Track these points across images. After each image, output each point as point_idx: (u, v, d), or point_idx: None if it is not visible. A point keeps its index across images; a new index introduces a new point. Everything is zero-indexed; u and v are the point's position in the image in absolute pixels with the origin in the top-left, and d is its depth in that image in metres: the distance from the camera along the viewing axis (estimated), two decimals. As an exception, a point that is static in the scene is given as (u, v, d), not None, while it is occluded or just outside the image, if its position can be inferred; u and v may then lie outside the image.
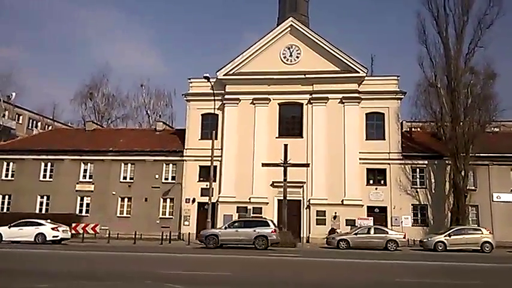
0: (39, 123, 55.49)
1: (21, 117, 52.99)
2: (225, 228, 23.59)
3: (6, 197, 34.11)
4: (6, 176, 34.69)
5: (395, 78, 32.41)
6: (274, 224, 24.05)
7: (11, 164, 34.81)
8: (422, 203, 30.46)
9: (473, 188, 29.79)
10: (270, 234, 22.53)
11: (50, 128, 53.34)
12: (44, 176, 34.23)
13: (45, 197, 33.74)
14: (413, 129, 36.24)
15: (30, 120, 54.78)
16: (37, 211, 33.03)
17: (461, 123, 29.52)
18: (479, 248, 24.27)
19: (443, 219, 29.50)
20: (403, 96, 32.20)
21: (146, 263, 15.71)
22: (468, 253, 23.30)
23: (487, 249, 24.23)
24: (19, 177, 34.19)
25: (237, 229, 23.06)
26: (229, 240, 23.00)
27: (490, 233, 25.54)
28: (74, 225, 28.37)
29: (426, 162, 30.98)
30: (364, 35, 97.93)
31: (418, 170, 31.10)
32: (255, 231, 22.61)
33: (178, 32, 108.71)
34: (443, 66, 30.49)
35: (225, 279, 11.38)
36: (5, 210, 33.44)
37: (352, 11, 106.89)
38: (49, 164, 34.38)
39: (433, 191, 30.51)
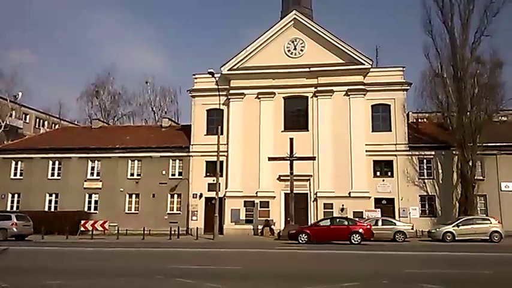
0: (45, 122, 55.84)
1: (28, 116, 53.32)
2: None
3: (16, 195, 34.41)
4: (15, 175, 34.99)
5: (401, 69, 32.21)
6: (22, 218, 25.48)
7: (19, 163, 35.09)
8: (430, 194, 30.37)
9: (481, 177, 29.61)
10: (10, 226, 24.52)
11: (56, 126, 53.68)
12: (52, 174, 34.51)
13: (53, 195, 34.02)
14: (419, 120, 36.02)
15: (37, 120, 55.11)
16: (46, 209, 33.38)
17: (468, 113, 29.28)
18: (488, 238, 24.13)
19: (451, 210, 29.39)
20: (408, 87, 32.03)
21: (156, 258, 15.83)
22: (477, 243, 23.22)
23: (496, 238, 24.10)
24: (28, 176, 34.48)
25: None
26: None
27: (498, 222, 25.36)
28: (83, 222, 28.60)
29: (433, 152, 30.85)
30: (368, 26, 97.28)
31: (425, 160, 30.99)
32: None
33: (182, 29, 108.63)
34: (449, 56, 30.22)
35: (235, 272, 11.46)
36: (14, 209, 33.72)
37: (356, 2, 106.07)
38: (57, 163, 34.63)
39: (441, 182, 30.40)
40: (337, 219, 24.49)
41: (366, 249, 18.39)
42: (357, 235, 22.28)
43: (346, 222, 23.48)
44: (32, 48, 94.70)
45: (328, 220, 24.42)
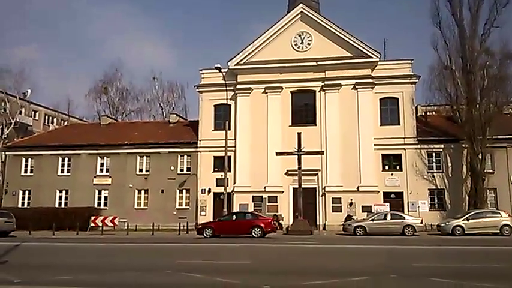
0: (55, 119, 56.27)
1: (37, 113, 53.73)
2: None
3: (27, 192, 34.82)
4: (25, 171, 35.35)
5: (409, 62, 31.95)
6: (4, 215, 25.51)
7: (29, 160, 35.45)
8: (439, 188, 30.19)
9: (491, 170, 29.37)
10: None
11: (65, 123, 54.06)
12: (62, 171, 34.83)
13: (63, 191, 34.36)
14: (428, 113, 35.77)
15: (46, 116, 55.53)
16: (56, 205, 33.72)
17: (477, 106, 29.02)
18: (498, 231, 23.90)
19: (461, 203, 29.20)
20: (417, 80, 31.78)
21: (165, 253, 15.95)
22: (487, 237, 23.04)
23: (507, 232, 23.86)
24: (38, 173, 34.83)
25: None
26: None
27: (509, 215, 25.09)
28: (93, 218, 28.85)
29: (442, 146, 30.63)
30: (375, 19, 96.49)
31: (434, 154, 30.78)
32: None
33: (189, 25, 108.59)
34: (458, 48, 29.93)
35: (244, 267, 11.49)
36: (25, 206, 34.15)
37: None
38: (66, 159, 34.95)
39: (450, 175, 30.19)
40: (241, 214, 25.26)
41: (374, 244, 18.32)
42: (258, 229, 22.87)
43: (248, 217, 24.24)
44: (39, 45, 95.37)
45: (234, 215, 25.31)
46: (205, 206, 32.10)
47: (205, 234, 23.33)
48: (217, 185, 31.48)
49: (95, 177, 34.10)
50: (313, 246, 18.00)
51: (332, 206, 30.10)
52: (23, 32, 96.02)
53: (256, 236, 22.61)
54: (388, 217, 25.41)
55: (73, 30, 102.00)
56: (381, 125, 31.19)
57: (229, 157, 30.40)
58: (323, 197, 30.57)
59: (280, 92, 32.39)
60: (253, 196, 31.21)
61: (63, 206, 33.80)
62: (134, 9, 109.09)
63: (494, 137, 28.62)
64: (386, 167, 30.91)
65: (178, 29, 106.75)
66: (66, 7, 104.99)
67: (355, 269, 10.84)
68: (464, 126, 29.13)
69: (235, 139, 32.03)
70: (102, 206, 33.47)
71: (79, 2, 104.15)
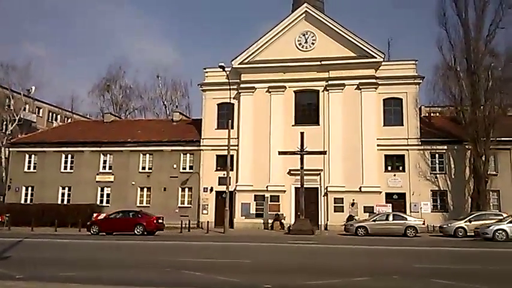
0: (58, 116, 56.47)
1: (41, 110, 53.96)
2: None
3: (30, 188, 34.85)
4: (29, 168, 35.41)
5: (413, 62, 31.80)
6: None
7: (33, 156, 35.52)
8: (442, 189, 30.08)
9: (494, 172, 29.22)
10: None
11: (69, 120, 54.25)
12: (65, 168, 34.86)
13: (66, 188, 34.36)
14: (432, 114, 35.61)
15: (50, 113, 55.75)
16: (59, 202, 33.79)
17: (481, 107, 28.88)
18: (500, 234, 23.79)
19: (464, 205, 29.08)
20: (421, 81, 31.65)
21: (166, 251, 15.99)
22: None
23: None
24: (41, 169, 34.88)
25: None
26: None
27: (511, 218, 25.01)
28: (95, 215, 28.92)
29: (446, 147, 30.52)
30: (380, 19, 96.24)
31: (437, 155, 30.66)
32: None
33: (193, 23, 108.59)
34: (462, 49, 29.77)
35: (244, 266, 11.51)
36: (28, 202, 34.25)
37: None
38: (69, 156, 35.00)
39: (453, 177, 30.08)
40: (126, 212, 25.79)
41: (376, 244, 18.29)
42: (140, 227, 23.95)
43: (133, 215, 25.11)
44: (43, 42, 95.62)
45: (119, 213, 25.82)
46: (207, 205, 32.12)
47: (92, 231, 24.24)
48: (219, 184, 31.48)
49: (97, 174, 34.14)
50: (315, 246, 18.01)
51: (334, 206, 30.01)
52: (30, 29, 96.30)
53: (138, 233, 23.52)
54: (390, 218, 25.36)
55: (79, 27, 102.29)
56: (384, 126, 31.08)
57: (232, 156, 30.36)
58: (325, 197, 30.51)
59: (283, 91, 32.35)
60: (255, 195, 31.20)
61: (65, 202, 33.83)
62: (139, 7, 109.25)
63: (498, 138, 28.49)
64: (389, 168, 30.81)
65: (182, 28, 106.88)
66: (72, 5, 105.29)
67: (356, 269, 10.84)
68: (468, 128, 29.00)
69: (238, 138, 32.01)
70: (104, 203, 33.50)
71: (85, 0, 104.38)
